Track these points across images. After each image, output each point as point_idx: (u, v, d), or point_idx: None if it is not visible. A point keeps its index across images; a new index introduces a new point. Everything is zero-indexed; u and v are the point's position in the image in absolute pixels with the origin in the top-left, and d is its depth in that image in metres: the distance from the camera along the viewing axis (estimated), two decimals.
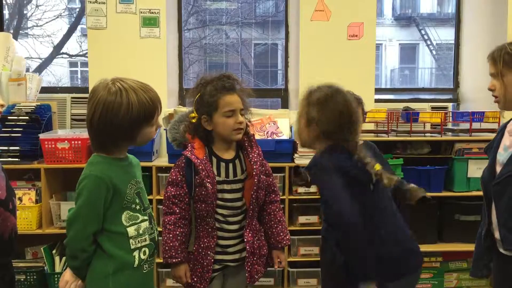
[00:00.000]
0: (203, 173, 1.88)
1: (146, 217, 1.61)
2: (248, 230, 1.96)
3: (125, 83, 1.56)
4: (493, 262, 1.94)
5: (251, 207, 1.95)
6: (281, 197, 3.06)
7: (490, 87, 1.86)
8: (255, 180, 1.94)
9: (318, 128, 1.76)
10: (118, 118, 1.50)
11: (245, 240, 1.95)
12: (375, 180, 1.74)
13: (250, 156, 1.97)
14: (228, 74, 1.96)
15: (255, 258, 1.99)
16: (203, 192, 1.89)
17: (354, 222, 1.64)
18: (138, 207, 1.59)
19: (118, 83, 1.55)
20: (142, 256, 1.58)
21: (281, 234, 2.07)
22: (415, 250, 1.85)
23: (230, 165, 1.96)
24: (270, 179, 2.10)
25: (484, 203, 1.93)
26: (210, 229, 1.94)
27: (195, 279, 1.97)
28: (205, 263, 1.95)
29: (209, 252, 1.94)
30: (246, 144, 2.00)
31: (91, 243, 1.52)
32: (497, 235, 1.86)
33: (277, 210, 2.10)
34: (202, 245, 1.95)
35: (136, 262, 1.56)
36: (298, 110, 1.87)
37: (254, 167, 1.94)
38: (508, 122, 1.90)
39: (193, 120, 1.95)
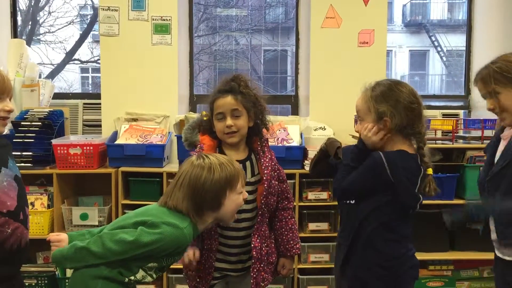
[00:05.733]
0: None
1: (155, 276, 1.62)
2: (256, 236, 1.91)
3: (209, 156, 1.68)
4: (494, 268, 1.97)
5: (260, 212, 1.92)
6: None
7: (490, 107, 1.89)
8: (265, 185, 1.90)
9: (391, 122, 1.72)
10: (201, 181, 1.59)
11: (252, 245, 1.90)
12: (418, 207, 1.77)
13: (262, 160, 1.94)
14: (235, 76, 1.95)
15: (262, 265, 1.93)
16: None
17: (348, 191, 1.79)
18: (163, 265, 1.61)
19: (202, 156, 1.67)
20: (133, 278, 1.59)
21: (291, 242, 2.02)
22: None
23: (247, 163, 1.95)
24: (284, 186, 2.06)
25: None
26: (212, 232, 1.90)
27: (198, 280, 1.95)
28: (207, 265, 1.92)
29: (211, 255, 1.92)
30: (259, 148, 1.98)
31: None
32: (493, 236, 1.88)
33: (289, 217, 2.05)
34: (205, 247, 1.92)
35: (126, 279, 1.56)
36: (359, 110, 1.82)
37: (265, 172, 1.91)
38: (503, 128, 1.92)
39: (205, 118, 1.99)
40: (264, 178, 1.91)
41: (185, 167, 1.64)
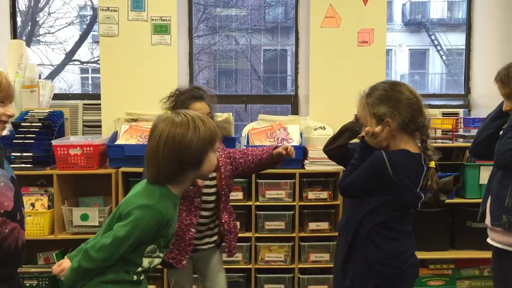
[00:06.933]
0: None
1: (162, 255, 1.61)
2: (224, 213, 2.28)
3: (188, 113, 1.57)
4: (492, 259, 2.04)
5: (223, 192, 2.25)
6: (291, 204, 3.08)
7: (506, 109, 1.92)
8: (222, 169, 2.24)
9: (393, 122, 1.74)
10: (186, 140, 1.50)
11: (223, 220, 2.26)
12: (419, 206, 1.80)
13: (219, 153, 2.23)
14: (200, 87, 2.34)
15: (232, 236, 2.31)
16: None
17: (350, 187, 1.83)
18: (163, 244, 1.60)
19: (181, 114, 1.56)
20: (141, 269, 1.59)
21: (265, 147, 2.31)
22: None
23: None
24: (236, 150, 2.37)
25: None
26: (193, 208, 2.17)
27: (176, 252, 2.16)
28: (187, 237, 2.16)
29: (191, 228, 2.17)
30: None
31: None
32: (487, 221, 1.96)
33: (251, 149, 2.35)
34: (184, 222, 2.16)
35: (135, 277, 1.57)
36: (360, 118, 1.86)
37: (220, 159, 2.22)
38: None
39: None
40: (220, 164, 2.23)
41: (162, 127, 1.52)
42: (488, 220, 1.96)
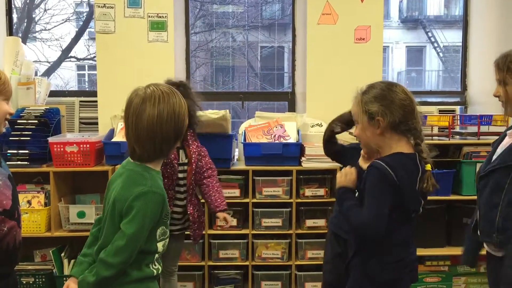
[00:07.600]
0: (172, 156, 2.35)
1: (169, 232, 1.64)
2: (189, 205, 2.47)
3: (161, 86, 1.58)
4: (487, 265, 2.03)
5: (191, 187, 2.47)
6: (288, 201, 3.09)
7: (495, 94, 1.94)
8: (193, 165, 2.45)
9: (384, 121, 1.71)
10: (182, 111, 1.56)
11: (189, 212, 2.47)
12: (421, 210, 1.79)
13: (190, 147, 2.46)
14: (183, 83, 2.43)
15: (196, 225, 2.53)
16: (168, 170, 2.35)
17: (377, 233, 1.67)
18: (168, 222, 1.62)
19: (158, 87, 1.57)
20: (157, 255, 1.61)
21: (219, 200, 2.53)
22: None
23: (181, 151, 2.45)
24: (206, 159, 2.57)
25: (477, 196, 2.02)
26: (168, 199, 2.23)
27: None
28: None
29: None
30: (189, 137, 2.46)
31: None
32: (479, 232, 1.95)
33: (214, 182, 2.57)
34: None
35: (155, 272, 1.58)
36: (354, 115, 1.85)
37: (193, 156, 2.45)
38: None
39: None
40: (193, 160, 2.45)
41: (151, 106, 1.51)
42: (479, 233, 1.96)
